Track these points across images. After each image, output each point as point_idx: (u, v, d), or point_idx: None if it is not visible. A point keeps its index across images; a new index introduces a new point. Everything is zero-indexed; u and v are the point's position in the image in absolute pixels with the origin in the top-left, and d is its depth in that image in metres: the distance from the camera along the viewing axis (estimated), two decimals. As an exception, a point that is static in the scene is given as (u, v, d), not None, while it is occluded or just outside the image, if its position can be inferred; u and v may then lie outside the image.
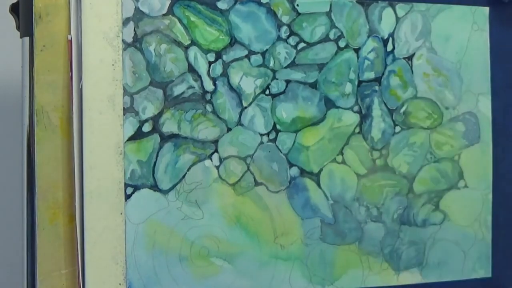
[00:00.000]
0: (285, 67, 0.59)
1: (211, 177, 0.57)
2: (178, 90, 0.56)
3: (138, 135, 0.55)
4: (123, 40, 0.54)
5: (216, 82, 0.57)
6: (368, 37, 0.61)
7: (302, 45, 0.59)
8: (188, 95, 0.56)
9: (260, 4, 0.58)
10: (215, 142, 0.57)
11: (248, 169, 0.58)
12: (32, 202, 0.54)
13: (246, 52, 0.58)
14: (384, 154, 0.61)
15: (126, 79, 0.55)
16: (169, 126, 0.56)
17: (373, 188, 0.61)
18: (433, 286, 0.63)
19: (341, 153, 0.60)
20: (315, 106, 0.60)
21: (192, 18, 0.56)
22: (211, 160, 0.57)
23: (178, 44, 0.56)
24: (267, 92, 0.58)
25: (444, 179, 0.63)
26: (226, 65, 0.57)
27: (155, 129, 0.56)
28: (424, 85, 0.63)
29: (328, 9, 0.60)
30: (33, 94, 0.53)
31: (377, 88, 0.61)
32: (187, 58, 0.56)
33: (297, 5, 0.59)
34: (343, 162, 0.60)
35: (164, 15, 0.56)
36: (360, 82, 0.61)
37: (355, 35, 0.60)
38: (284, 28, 0.59)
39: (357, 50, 0.61)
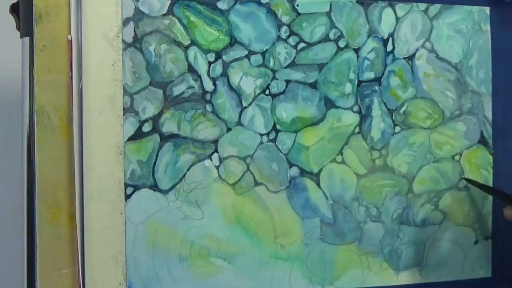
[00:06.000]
0: (285, 67, 0.59)
1: (211, 177, 0.57)
2: (178, 90, 0.56)
3: (138, 135, 0.55)
4: (123, 40, 0.54)
5: (216, 82, 0.57)
6: (368, 37, 0.61)
7: (302, 45, 0.59)
8: (188, 95, 0.56)
9: (260, 4, 0.58)
10: (215, 142, 0.57)
11: (248, 169, 0.58)
12: (32, 202, 0.54)
13: (246, 52, 0.58)
14: (384, 154, 0.61)
15: (126, 79, 0.55)
16: (169, 126, 0.56)
17: (373, 188, 0.61)
18: (432, 286, 0.63)
19: (341, 153, 0.60)
20: (315, 106, 0.60)
21: (192, 18, 0.56)
22: (211, 160, 0.57)
23: (178, 44, 0.56)
24: (267, 92, 0.58)
25: (444, 179, 0.63)
26: (226, 65, 0.57)
27: (155, 129, 0.56)
28: (424, 85, 0.63)
29: (328, 9, 0.60)
30: (33, 94, 0.53)
31: (377, 88, 0.61)
32: (187, 58, 0.56)
33: (297, 5, 0.59)
34: (343, 162, 0.60)
35: (164, 15, 0.56)
36: (360, 82, 0.61)
37: (355, 35, 0.60)
38: (284, 28, 0.59)
39: (357, 50, 0.61)
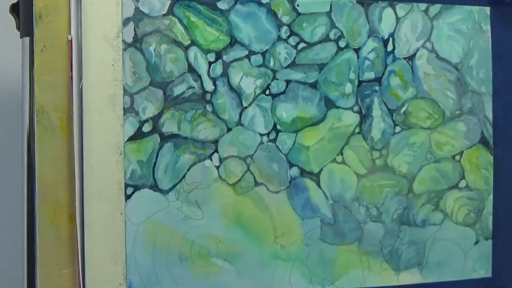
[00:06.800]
0: (285, 67, 0.59)
1: (211, 177, 0.57)
2: (178, 90, 0.56)
3: (138, 135, 0.55)
4: (123, 40, 0.54)
5: (216, 82, 0.57)
6: (368, 37, 0.61)
7: (302, 45, 0.59)
8: (188, 95, 0.56)
9: (260, 4, 0.58)
10: (215, 142, 0.57)
11: (248, 169, 0.58)
12: (32, 202, 0.54)
13: (246, 52, 0.58)
14: (384, 154, 0.61)
15: (126, 79, 0.55)
16: (169, 126, 0.56)
17: (373, 188, 0.61)
18: (433, 286, 0.63)
19: (341, 153, 0.60)
20: (315, 106, 0.60)
21: (192, 18, 0.56)
22: (211, 160, 0.57)
23: (178, 44, 0.56)
24: (267, 92, 0.58)
25: (444, 179, 0.63)
26: (226, 65, 0.57)
27: (155, 129, 0.56)
28: (424, 85, 0.63)
29: (328, 9, 0.60)
30: (33, 94, 0.53)
31: (377, 88, 0.61)
32: (187, 58, 0.56)
33: (298, 5, 0.59)
34: (343, 162, 0.60)
35: (164, 15, 0.56)
36: (360, 82, 0.61)
37: (355, 35, 0.60)
38: (284, 28, 0.59)
39: (357, 50, 0.61)
